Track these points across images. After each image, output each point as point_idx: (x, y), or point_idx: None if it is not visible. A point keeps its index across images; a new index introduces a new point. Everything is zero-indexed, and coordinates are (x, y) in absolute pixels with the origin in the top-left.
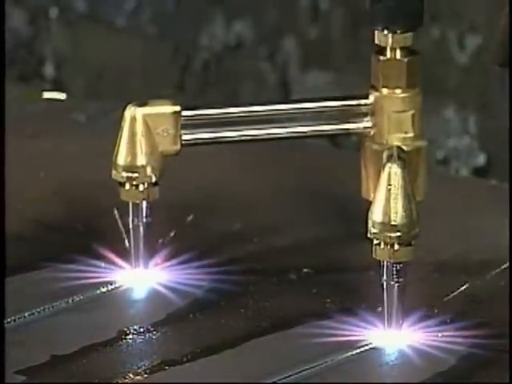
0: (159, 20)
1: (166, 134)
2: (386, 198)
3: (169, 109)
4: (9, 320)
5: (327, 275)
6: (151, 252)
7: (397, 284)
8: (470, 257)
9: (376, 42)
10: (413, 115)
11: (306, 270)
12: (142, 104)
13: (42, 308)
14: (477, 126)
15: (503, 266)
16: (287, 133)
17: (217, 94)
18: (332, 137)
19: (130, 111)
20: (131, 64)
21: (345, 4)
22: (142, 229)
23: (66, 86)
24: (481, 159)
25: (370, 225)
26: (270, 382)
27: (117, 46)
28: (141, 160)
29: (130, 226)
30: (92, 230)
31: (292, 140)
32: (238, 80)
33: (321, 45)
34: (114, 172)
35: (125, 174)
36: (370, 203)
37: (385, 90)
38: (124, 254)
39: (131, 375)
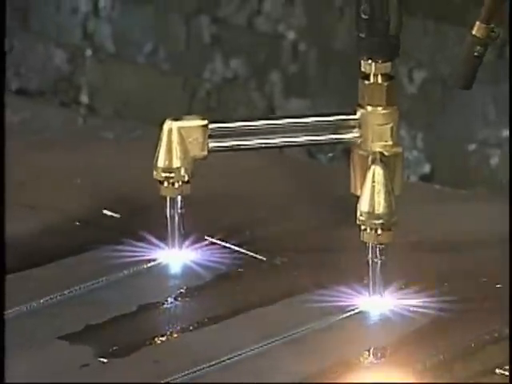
0: (172, 58)
1: (195, 143)
2: (371, 193)
3: (198, 122)
4: (66, 292)
5: (317, 257)
6: (185, 236)
7: (380, 261)
8: (428, 241)
9: (362, 69)
10: (391, 127)
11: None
12: (177, 119)
13: (96, 281)
14: (423, 142)
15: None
16: (292, 142)
17: (217, 117)
18: (321, 146)
19: (168, 124)
20: (150, 93)
21: (318, 46)
22: (177, 218)
23: (97, 111)
24: (426, 168)
25: (358, 214)
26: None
27: (138, 79)
28: (176, 163)
29: (168, 216)
30: (130, 221)
31: (275, 154)
32: (234, 106)
33: (299, 78)
34: (154, 173)
35: (163, 174)
36: (357, 197)
37: (369, 108)
38: (164, 237)
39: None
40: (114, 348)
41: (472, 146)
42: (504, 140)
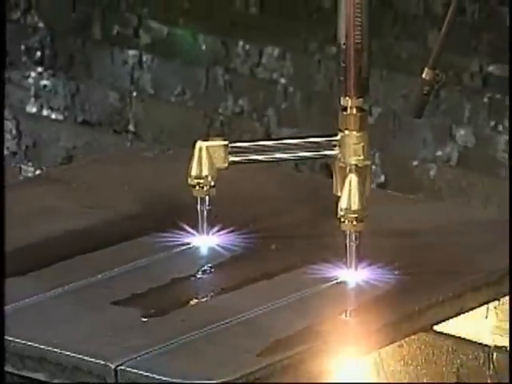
0: (195, 98)
1: (219, 157)
2: (349, 194)
3: (221, 143)
4: (116, 269)
5: (306, 242)
6: (211, 226)
7: (355, 244)
8: (386, 230)
9: (341, 103)
10: (363, 146)
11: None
12: (206, 140)
13: (141, 260)
14: (379, 159)
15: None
16: (289, 157)
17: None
18: (306, 161)
19: (199, 144)
20: (179, 123)
21: (302, 88)
22: (205, 212)
23: (141, 137)
24: (382, 178)
25: (339, 209)
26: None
27: (170, 113)
28: (205, 172)
29: (198, 211)
30: (168, 216)
31: (271, 166)
32: (240, 133)
33: (289, 112)
34: (188, 179)
35: (195, 180)
36: (338, 197)
37: (346, 131)
38: (195, 227)
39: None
40: (153, 310)
41: (415, 162)
42: (438, 157)
